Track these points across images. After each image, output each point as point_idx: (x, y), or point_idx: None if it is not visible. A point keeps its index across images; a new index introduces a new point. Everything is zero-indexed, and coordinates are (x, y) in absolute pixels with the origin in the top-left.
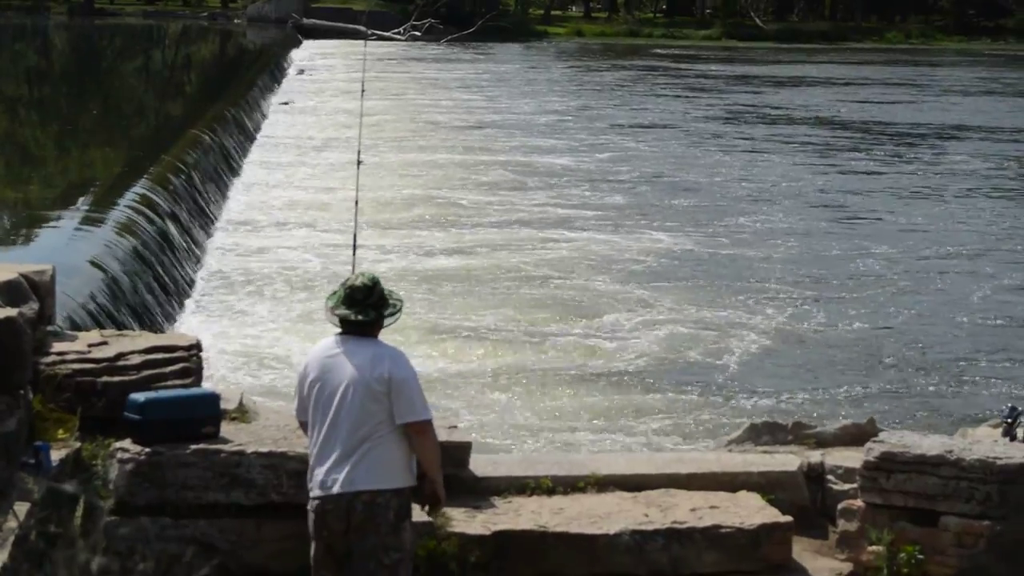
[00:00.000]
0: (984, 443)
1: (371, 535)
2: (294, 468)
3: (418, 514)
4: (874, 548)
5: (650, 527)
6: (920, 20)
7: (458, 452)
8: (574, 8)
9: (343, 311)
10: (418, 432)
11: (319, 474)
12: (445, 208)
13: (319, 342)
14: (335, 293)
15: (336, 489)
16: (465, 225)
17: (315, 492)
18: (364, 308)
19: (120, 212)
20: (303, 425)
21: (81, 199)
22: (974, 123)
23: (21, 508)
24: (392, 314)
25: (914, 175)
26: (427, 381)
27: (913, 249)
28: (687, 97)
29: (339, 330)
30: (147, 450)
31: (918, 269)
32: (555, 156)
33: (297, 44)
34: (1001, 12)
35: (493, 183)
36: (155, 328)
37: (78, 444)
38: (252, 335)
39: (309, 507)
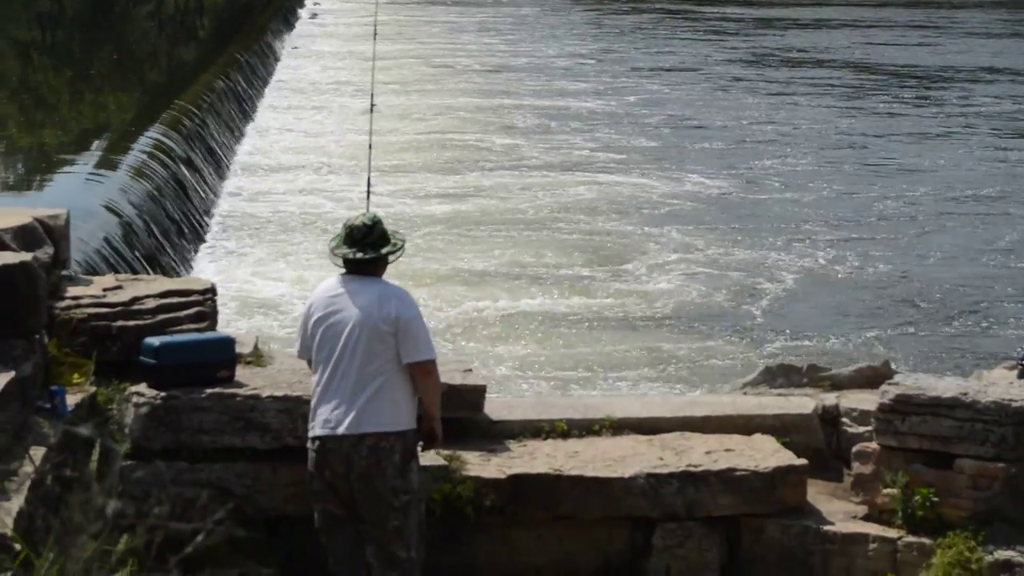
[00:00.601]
0: (999, 385)
1: (377, 479)
2: (309, 412)
3: (433, 458)
4: (889, 491)
5: (665, 470)
6: None
7: (472, 395)
8: None
9: (344, 250)
10: (424, 372)
11: (323, 413)
12: (462, 151)
13: (323, 281)
14: (337, 234)
15: (341, 430)
16: (484, 168)
17: (317, 431)
18: (364, 247)
19: (134, 156)
20: (309, 364)
21: (95, 144)
22: (1000, 65)
23: (37, 452)
24: (393, 251)
25: (939, 117)
26: (444, 325)
27: (935, 192)
28: (708, 40)
29: (343, 270)
30: (162, 394)
31: (939, 212)
32: (577, 99)
33: None
34: None
35: (512, 126)
36: (170, 272)
37: (93, 388)
38: (266, 279)
39: (309, 446)
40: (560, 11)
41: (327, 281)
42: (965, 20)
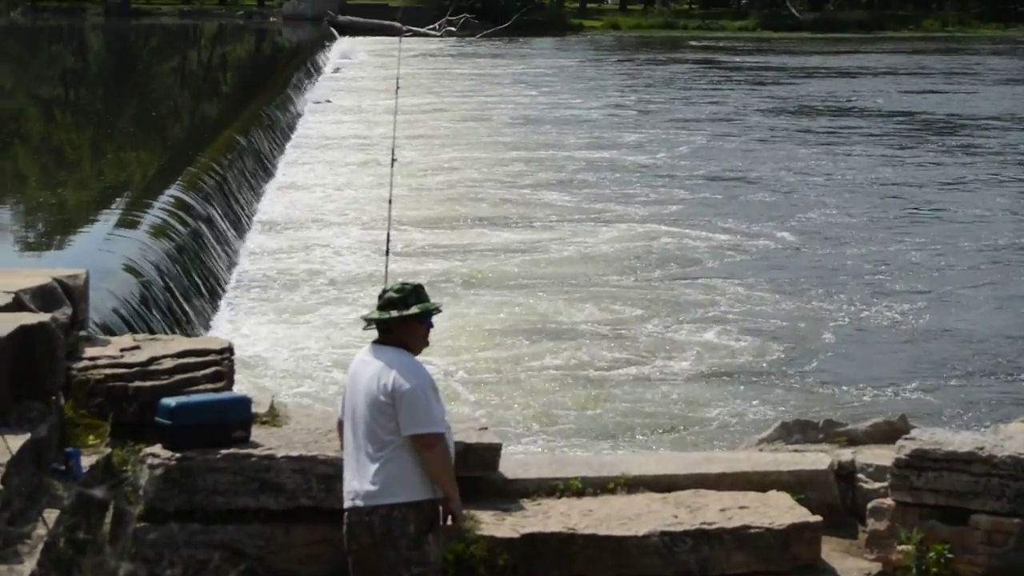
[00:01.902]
0: (1016, 439)
1: (391, 550)
2: (324, 472)
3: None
4: (904, 547)
5: (679, 528)
6: (957, 7)
7: (487, 453)
8: (610, 1)
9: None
10: (423, 446)
11: (345, 486)
12: (487, 205)
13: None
14: None
15: (358, 503)
16: (519, 222)
17: (344, 504)
18: (380, 311)
19: (154, 215)
20: (340, 426)
21: (115, 202)
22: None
23: (51, 515)
24: (383, 308)
25: (978, 165)
26: (466, 382)
27: (957, 242)
28: (745, 90)
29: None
30: (177, 455)
31: (959, 263)
32: (619, 150)
33: (333, 40)
34: None
35: (550, 179)
36: (189, 331)
37: (109, 450)
38: (285, 338)
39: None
40: (596, 62)
41: (363, 348)
42: (999, 67)
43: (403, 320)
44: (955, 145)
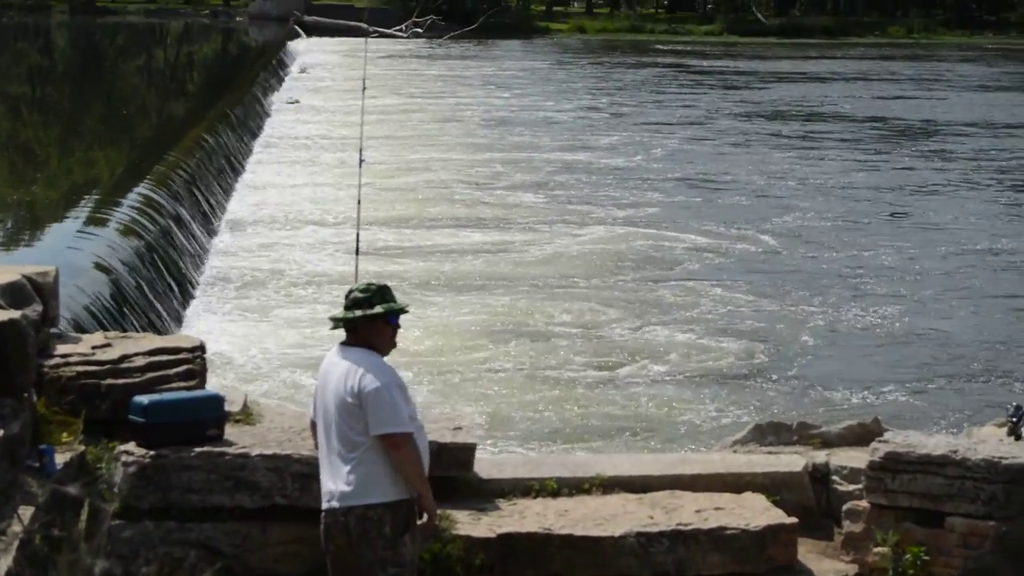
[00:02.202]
0: (990, 442)
1: (367, 550)
2: (299, 471)
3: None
4: (879, 549)
5: (655, 529)
6: (922, 14)
7: (462, 453)
8: (576, 4)
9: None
10: (391, 445)
11: (322, 487)
12: (458, 206)
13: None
14: None
15: (333, 504)
16: (483, 224)
17: (321, 505)
18: (345, 311)
19: (123, 213)
20: (313, 427)
21: (84, 200)
22: (1006, 119)
23: (25, 512)
24: (348, 308)
25: (948, 171)
26: (438, 383)
27: (931, 246)
28: (716, 94)
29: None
30: (151, 453)
31: (933, 267)
32: (593, 153)
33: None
34: (1004, 6)
35: (523, 181)
36: (160, 329)
37: (82, 447)
38: (256, 336)
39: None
40: (566, 65)
41: (331, 350)
42: (969, 74)
43: (368, 320)
44: (928, 150)
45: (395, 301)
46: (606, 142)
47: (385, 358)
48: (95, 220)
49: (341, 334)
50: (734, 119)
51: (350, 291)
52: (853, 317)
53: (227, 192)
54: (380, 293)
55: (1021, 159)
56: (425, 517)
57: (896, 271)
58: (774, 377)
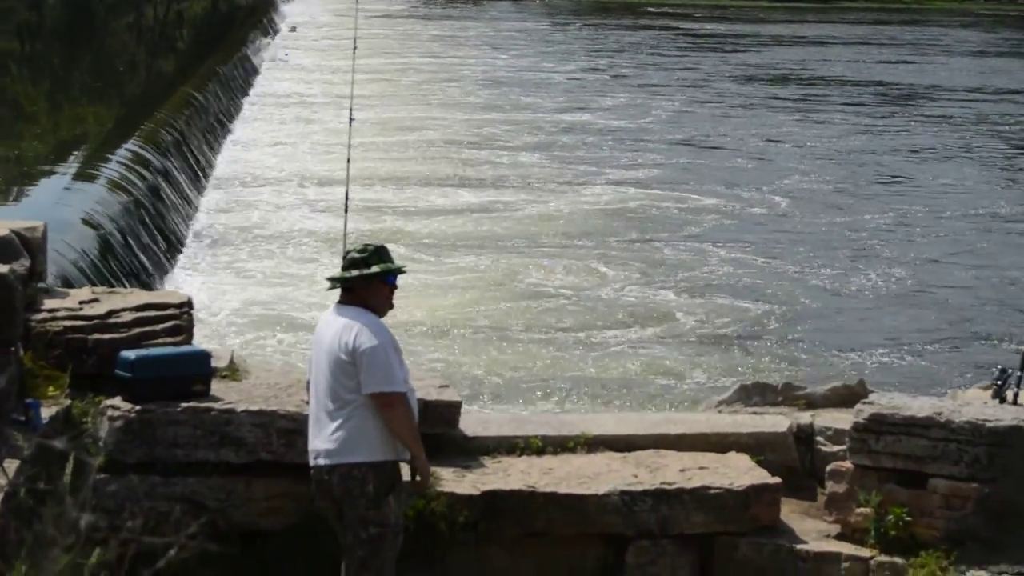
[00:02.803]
0: (974, 405)
1: (349, 508)
2: (284, 427)
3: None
4: (862, 510)
5: (639, 488)
6: None
7: (448, 411)
8: None
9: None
10: (383, 405)
11: (310, 443)
12: (451, 166)
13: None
14: None
15: (319, 461)
16: (476, 183)
17: (310, 461)
18: (343, 271)
19: (112, 169)
20: (308, 386)
21: (73, 155)
22: (994, 84)
23: (11, 465)
24: (346, 268)
25: (938, 135)
26: (424, 340)
27: (927, 210)
28: (713, 57)
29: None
30: (137, 408)
31: (927, 231)
32: (593, 114)
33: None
34: None
35: (522, 142)
36: (147, 285)
37: (68, 401)
38: (244, 293)
39: None
40: (561, 26)
41: (327, 309)
42: (968, 39)
43: (365, 279)
44: (927, 115)
45: (392, 261)
46: (604, 103)
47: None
48: (83, 176)
49: (337, 295)
50: (733, 82)
51: (347, 251)
52: (843, 280)
53: (215, 149)
54: (377, 253)
55: (1019, 124)
56: (419, 478)
57: (889, 235)
58: (762, 338)
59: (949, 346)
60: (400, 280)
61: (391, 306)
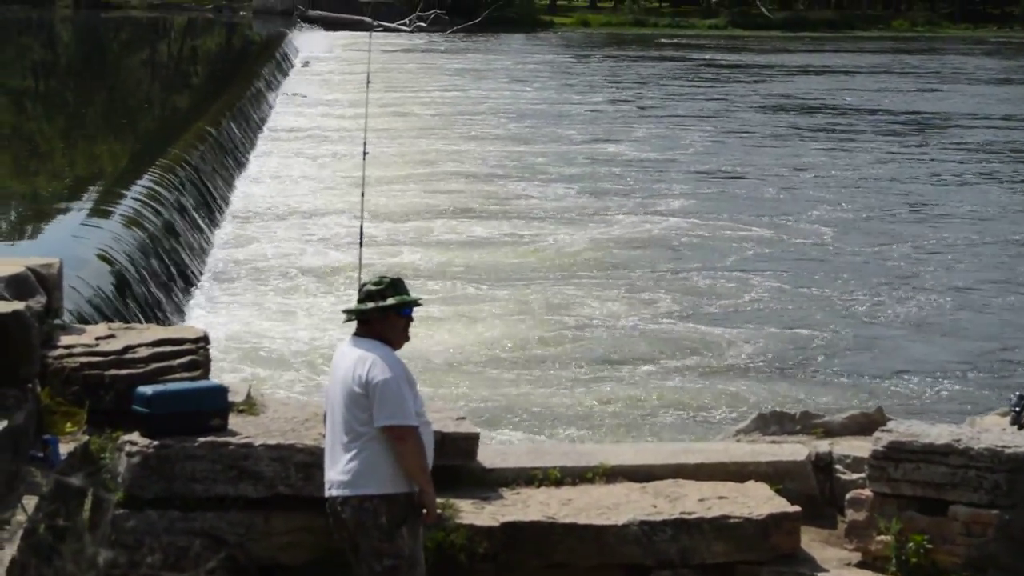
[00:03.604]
0: (992, 431)
1: (363, 540)
2: (302, 460)
3: None
4: (883, 538)
5: (658, 518)
6: (926, 8)
7: (465, 443)
8: None
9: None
10: (395, 438)
11: (325, 476)
12: (464, 198)
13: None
14: None
15: (332, 492)
16: (500, 215)
17: (325, 493)
18: (359, 303)
19: (127, 205)
20: (325, 418)
21: (88, 192)
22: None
23: (29, 501)
24: (362, 300)
25: (963, 163)
26: (439, 372)
27: (937, 237)
28: (723, 87)
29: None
30: (155, 443)
31: (946, 258)
32: (617, 145)
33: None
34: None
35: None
36: (163, 321)
37: (86, 437)
38: (260, 327)
39: None
40: (580, 59)
41: (343, 341)
42: (990, 67)
43: (381, 311)
44: (952, 142)
45: (408, 294)
46: (626, 135)
47: (398, 352)
48: (99, 212)
49: (353, 327)
50: (758, 112)
51: (363, 284)
52: (860, 306)
53: (230, 184)
54: (393, 285)
55: None
56: (425, 512)
57: (911, 262)
58: (780, 366)
59: (967, 373)
60: (420, 312)
61: (407, 338)
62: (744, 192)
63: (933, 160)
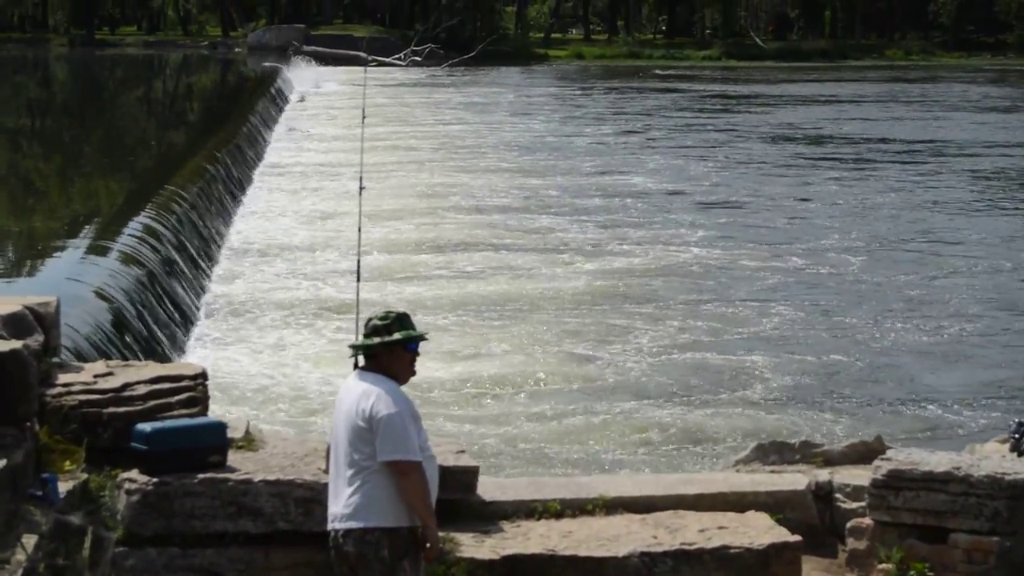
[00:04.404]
0: (992, 459)
1: (365, 573)
2: (301, 496)
3: None
4: (884, 566)
5: (659, 549)
6: (919, 37)
7: (465, 476)
8: (574, 31)
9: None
10: (398, 472)
11: (328, 509)
12: (455, 231)
13: None
14: None
15: (335, 525)
16: (499, 247)
17: (327, 526)
18: (365, 338)
19: (124, 242)
20: (328, 451)
21: (85, 229)
22: (997, 139)
23: (29, 540)
24: (368, 335)
25: (973, 191)
26: (439, 406)
27: (939, 265)
28: (726, 117)
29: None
30: (154, 480)
31: (936, 284)
32: (626, 176)
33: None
34: (1001, 27)
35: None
36: (161, 357)
37: (85, 475)
38: (257, 362)
39: None
40: (590, 91)
41: (348, 376)
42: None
43: (386, 346)
44: (958, 169)
45: (414, 328)
46: (648, 166)
47: (402, 387)
48: (96, 249)
49: (358, 362)
50: (765, 142)
51: (369, 319)
52: (859, 334)
53: (227, 220)
54: (399, 320)
55: None
56: (428, 546)
57: (909, 289)
58: (778, 395)
59: (966, 400)
60: (423, 345)
61: (413, 373)
62: (752, 221)
63: (940, 188)
